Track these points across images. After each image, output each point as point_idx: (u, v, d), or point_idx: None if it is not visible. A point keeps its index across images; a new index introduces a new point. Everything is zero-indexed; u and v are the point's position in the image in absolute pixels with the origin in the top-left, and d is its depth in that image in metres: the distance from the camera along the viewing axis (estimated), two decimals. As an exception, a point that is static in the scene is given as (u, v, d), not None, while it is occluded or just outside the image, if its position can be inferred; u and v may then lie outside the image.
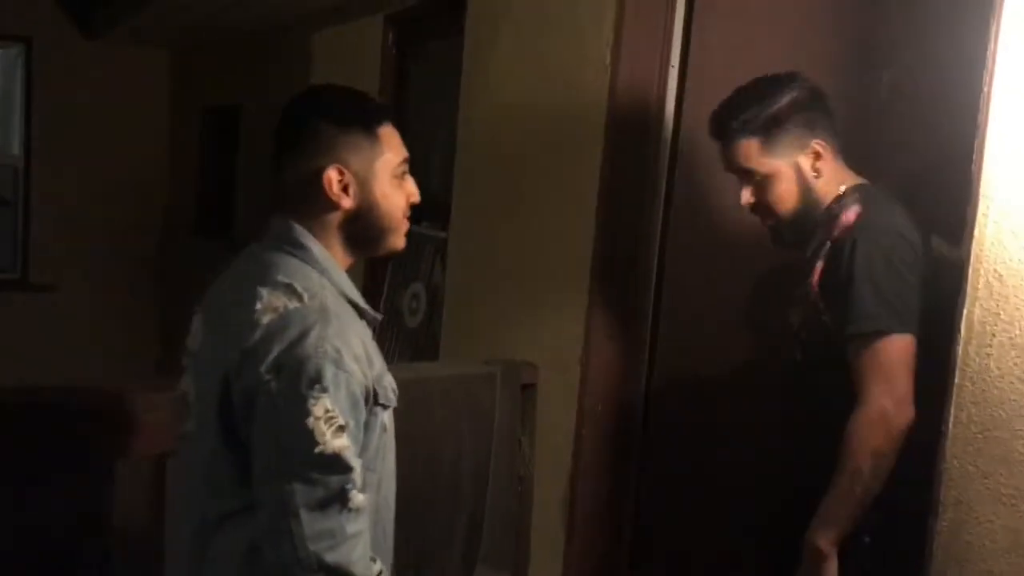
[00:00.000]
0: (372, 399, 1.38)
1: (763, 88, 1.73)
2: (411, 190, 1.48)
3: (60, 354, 5.36)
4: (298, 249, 1.40)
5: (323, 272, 1.40)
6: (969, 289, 1.46)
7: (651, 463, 2.45)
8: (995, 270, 1.44)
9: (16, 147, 6.02)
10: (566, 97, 2.55)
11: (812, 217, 1.73)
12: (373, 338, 1.47)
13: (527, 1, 2.74)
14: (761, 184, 1.74)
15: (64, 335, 5.72)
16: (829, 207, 1.71)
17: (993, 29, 1.45)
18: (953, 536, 1.49)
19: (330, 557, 1.29)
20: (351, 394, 1.32)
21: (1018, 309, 1.41)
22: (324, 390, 1.28)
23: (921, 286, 1.62)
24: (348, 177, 1.40)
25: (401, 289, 3.60)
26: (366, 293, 3.60)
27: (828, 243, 1.69)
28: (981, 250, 1.46)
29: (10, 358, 4.83)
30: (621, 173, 2.39)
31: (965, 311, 1.47)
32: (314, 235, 1.42)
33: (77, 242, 5.94)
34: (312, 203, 1.41)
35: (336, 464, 1.29)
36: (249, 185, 5.13)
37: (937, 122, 1.82)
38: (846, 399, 1.62)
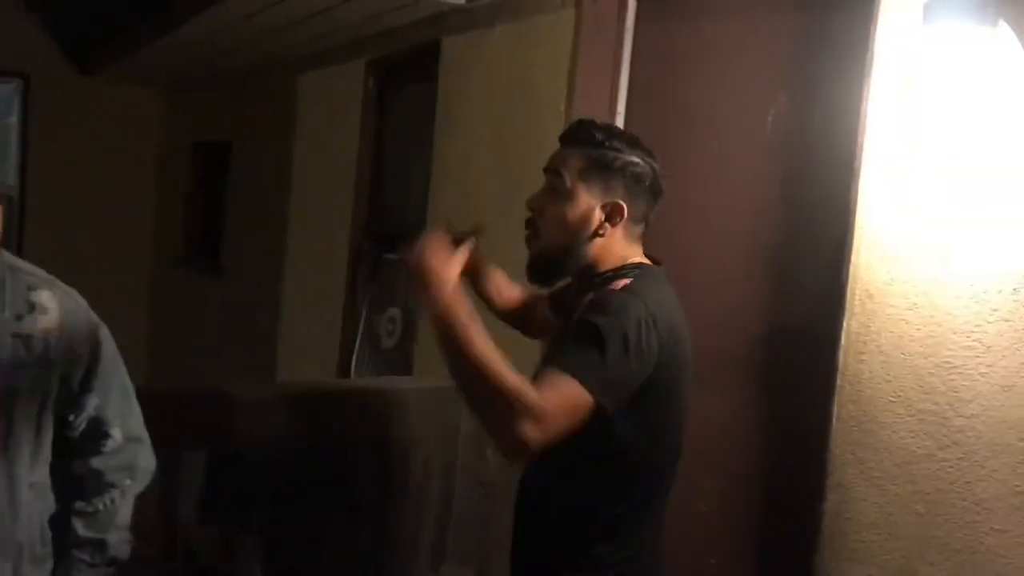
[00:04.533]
0: None
1: (632, 139, 1.66)
2: None
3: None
4: None
5: None
6: (847, 305, 1.75)
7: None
8: (867, 290, 1.73)
9: (12, 178, 6.26)
10: (526, 138, 2.83)
11: (564, 264, 1.64)
12: None
13: (493, 52, 3.04)
14: (553, 196, 1.64)
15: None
16: (605, 273, 1.60)
17: (866, 78, 1.75)
18: (835, 516, 1.76)
19: None
20: None
21: (884, 322, 1.70)
22: None
23: (641, 370, 1.46)
24: None
25: (379, 313, 3.87)
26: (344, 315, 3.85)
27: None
28: (857, 273, 1.74)
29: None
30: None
31: (844, 324, 1.75)
32: None
33: (69, 271, 6.12)
34: None
35: None
36: (236, 219, 5.38)
37: (817, 161, 2.03)
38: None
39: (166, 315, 6.37)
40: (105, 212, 6.28)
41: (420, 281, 1.42)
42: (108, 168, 6.31)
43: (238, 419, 2.42)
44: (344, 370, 3.95)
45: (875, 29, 1.81)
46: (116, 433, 1.73)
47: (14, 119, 6.28)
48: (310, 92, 4.49)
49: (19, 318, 1.62)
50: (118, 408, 1.74)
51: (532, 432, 1.32)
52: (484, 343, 1.37)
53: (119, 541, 1.76)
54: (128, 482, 1.76)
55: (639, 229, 1.63)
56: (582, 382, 1.37)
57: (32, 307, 1.64)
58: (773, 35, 2.26)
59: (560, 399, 1.36)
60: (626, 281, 1.54)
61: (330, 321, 4.03)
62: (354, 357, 3.94)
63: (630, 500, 1.54)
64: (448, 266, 1.43)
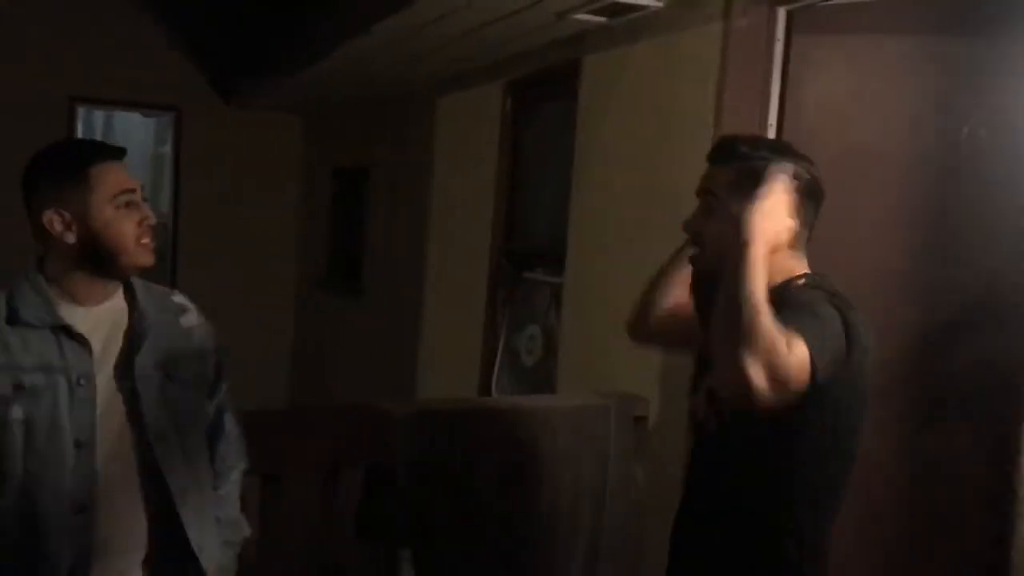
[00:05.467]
0: None
1: (781, 145, 1.70)
2: (139, 216, 1.65)
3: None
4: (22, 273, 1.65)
5: (36, 291, 1.62)
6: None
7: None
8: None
9: (166, 205, 6.63)
10: (672, 156, 2.81)
11: None
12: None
13: (636, 70, 3.03)
14: (709, 215, 1.68)
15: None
16: (780, 286, 1.59)
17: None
18: (1028, 544, 1.66)
19: None
20: None
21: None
22: None
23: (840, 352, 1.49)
24: (66, 217, 1.61)
25: (518, 331, 3.89)
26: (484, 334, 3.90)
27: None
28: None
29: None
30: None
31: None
32: (47, 269, 1.65)
33: (217, 293, 6.45)
34: (47, 244, 1.64)
35: None
36: (376, 241, 5.53)
37: (1003, 184, 1.96)
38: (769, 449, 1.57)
39: (309, 335, 6.60)
40: (251, 236, 6.57)
41: (751, 212, 1.50)
42: (253, 194, 6.60)
43: (393, 435, 2.47)
44: (484, 389, 3.99)
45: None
46: (230, 419, 1.88)
47: (168, 149, 6.66)
48: (448, 115, 4.58)
49: (177, 317, 1.78)
50: (228, 395, 1.89)
51: (768, 385, 1.37)
52: (763, 292, 1.43)
53: (244, 519, 1.91)
54: (242, 465, 1.91)
55: (805, 234, 1.64)
56: (809, 348, 1.41)
57: (180, 308, 1.80)
58: (944, 56, 2.19)
59: (799, 364, 1.40)
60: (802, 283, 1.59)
61: (470, 340, 4.08)
62: (494, 376, 3.98)
63: (817, 505, 1.56)
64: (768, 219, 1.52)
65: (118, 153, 1.68)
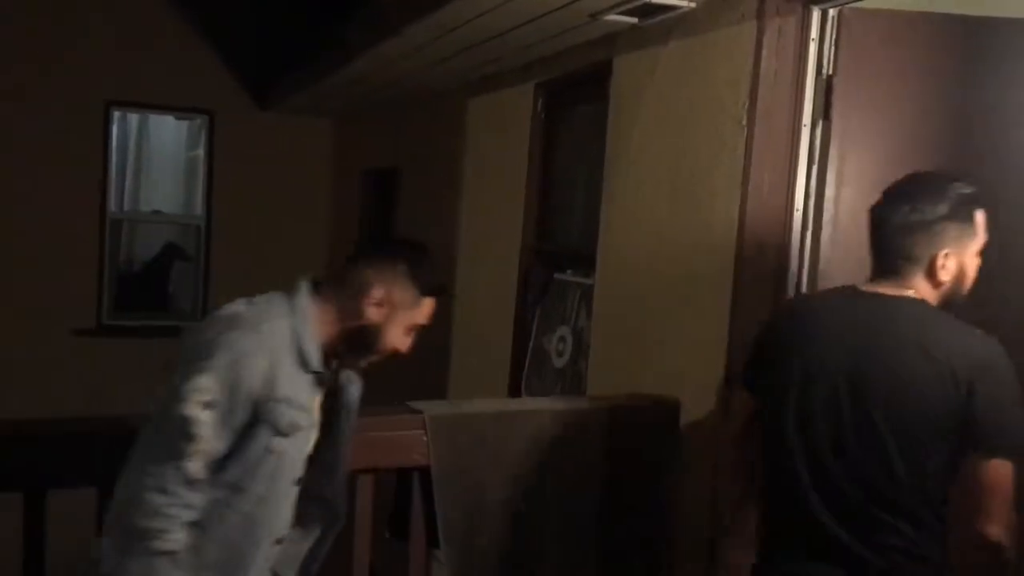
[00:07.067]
0: (256, 414, 1.67)
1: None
2: (407, 344, 1.87)
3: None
4: (293, 296, 1.79)
5: (294, 317, 1.75)
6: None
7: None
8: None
9: (199, 207, 6.69)
10: (705, 155, 2.79)
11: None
12: (318, 392, 1.82)
13: (668, 70, 3.01)
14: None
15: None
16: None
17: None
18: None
19: (147, 496, 1.60)
20: (233, 387, 1.64)
21: None
22: (211, 370, 1.62)
23: None
24: (386, 304, 1.79)
25: (548, 332, 3.89)
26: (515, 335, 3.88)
27: None
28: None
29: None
30: (757, 225, 2.60)
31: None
32: (319, 307, 1.79)
33: (250, 293, 6.51)
34: (349, 297, 1.80)
35: (185, 427, 1.61)
36: (405, 240, 5.53)
37: None
38: None
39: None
40: (282, 238, 6.62)
41: None
42: (285, 197, 6.66)
43: (424, 437, 2.47)
44: (515, 390, 3.99)
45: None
46: None
47: (201, 151, 6.73)
48: (478, 116, 4.59)
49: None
50: None
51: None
52: None
53: None
54: None
55: None
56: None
57: None
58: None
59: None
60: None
61: (500, 341, 4.08)
62: (524, 377, 3.97)
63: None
64: None
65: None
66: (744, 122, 2.61)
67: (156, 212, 7.59)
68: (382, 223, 5.87)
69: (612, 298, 3.32)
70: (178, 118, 7.28)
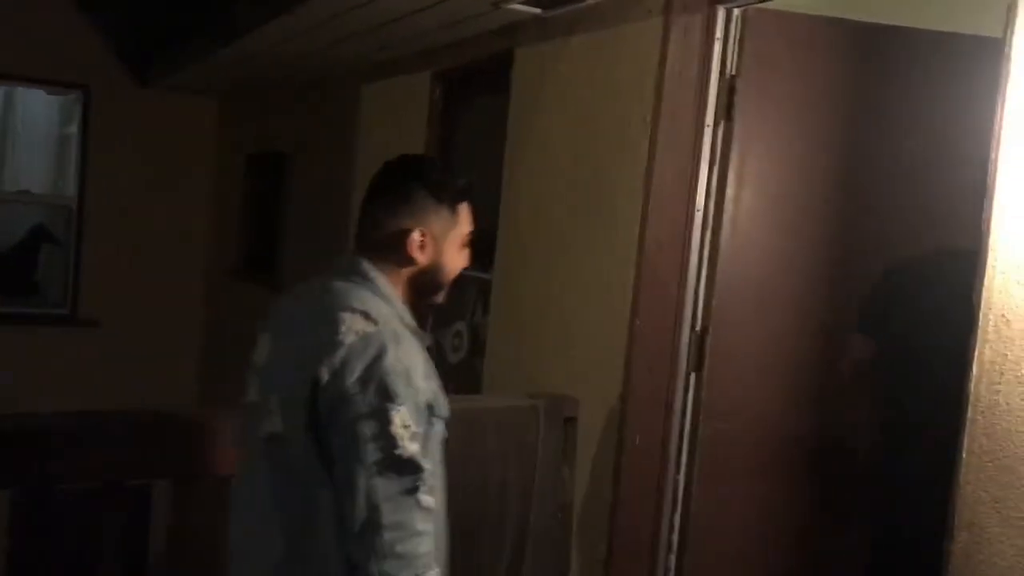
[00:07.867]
0: (431, 411, 1.60)
1: None
2: (467, 259, 1.77)
3: (104, 387, 5.59)
4: (366, 281, 1.66)
5: (387, 301, 1.65)
6: (980, 332, 1.64)
7: (690, 494, 2.61)
8: (1003, 315, 1.62)
9: (72, 188, 6.31)
10: (608, 151, 2.75)
11: None
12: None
13: (572, 63, 2.96)
14: None
15: (107, 370, 5.93)
16: None
17: (999, 108, 1.64)
18: (966, 556, 1.65)
19: (400, 547, 1.51)
20: (418, 405, 1.56)
21: (1022, 350, 1.59)
22: (401, 403, 1.52)
23: None
24: (428, 239, 1.68)
25: (444, 327, 3.80)
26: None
27: None
28: (990, 298, 1.64)
29: (58, 389, 5.06)
30: (658, 223, 2.58)
31: (976, 351, 1.64)
32: (386, 276, 1.67)
33: (124, 280, 6.20)
34: (393, 253, 1.68)
35: (410, 465, 1.52)
36: (294, 229, 5.35)
37: (950, 188, 2.01)
38: None
39: (221, 328, 6.36)
40: (161, 222, 6.30)
41: None
42: (164, 179, 6.33)
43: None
44: (408, 385, 3.88)
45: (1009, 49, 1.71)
46: None
47: (74, 129, 6.33)
48: (373, 103, 4.45)
49: None
50: None
51: None
52: None
53: None
54: None
55: None
56: None
57: None
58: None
59: None
60: None
61: (393, 335, 3.97)
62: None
63: None
64: None
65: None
66: (648, 119, 2.58)
67: (23, 192, 7.13)
68: (268, 209, 5.65)
69: (510, 294, 3.25)
70: (50, 92, 6.81)
